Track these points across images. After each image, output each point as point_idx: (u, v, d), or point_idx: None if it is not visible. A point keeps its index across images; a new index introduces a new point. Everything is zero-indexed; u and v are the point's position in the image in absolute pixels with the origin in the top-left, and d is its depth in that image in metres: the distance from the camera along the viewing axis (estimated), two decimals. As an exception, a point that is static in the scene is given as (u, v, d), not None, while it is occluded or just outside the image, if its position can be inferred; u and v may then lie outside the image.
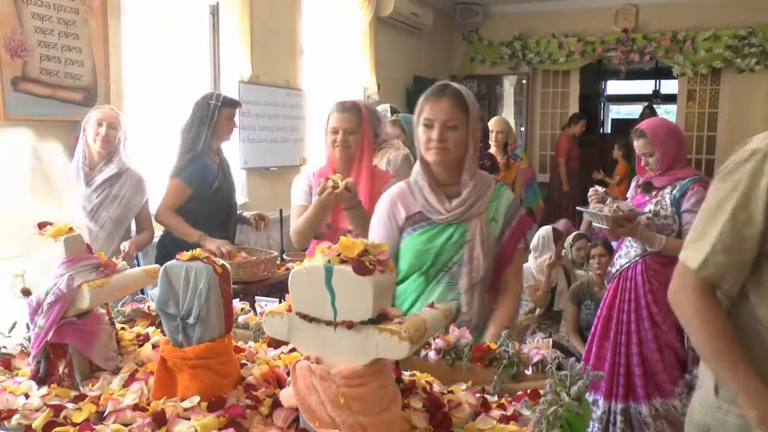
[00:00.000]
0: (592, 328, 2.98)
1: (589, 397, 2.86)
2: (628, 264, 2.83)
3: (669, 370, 2.78)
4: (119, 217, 2.90)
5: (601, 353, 2.89)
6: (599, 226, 2.81)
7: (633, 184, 3.02)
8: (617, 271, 2.89)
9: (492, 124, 4.88)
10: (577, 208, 3.12)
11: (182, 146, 3.10)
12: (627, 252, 2.85)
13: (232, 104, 3.19)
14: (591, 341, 2.95)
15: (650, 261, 2.78)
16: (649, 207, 2.77)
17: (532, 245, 4.42)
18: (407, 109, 7.19)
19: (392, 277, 1.17)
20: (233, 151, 4.58)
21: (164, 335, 1.41)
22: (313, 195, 2.43)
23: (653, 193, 2.83)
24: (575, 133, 7.58)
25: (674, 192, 2.73)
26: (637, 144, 2.82)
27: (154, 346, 1.56)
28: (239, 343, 1.58)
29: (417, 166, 1.92)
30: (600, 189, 2.94)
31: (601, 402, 2.86)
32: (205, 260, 1.33)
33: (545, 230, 4.44)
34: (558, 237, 4.36)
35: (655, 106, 9.73)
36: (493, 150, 4.84)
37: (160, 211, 3.09)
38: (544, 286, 4.25)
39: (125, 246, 2.83)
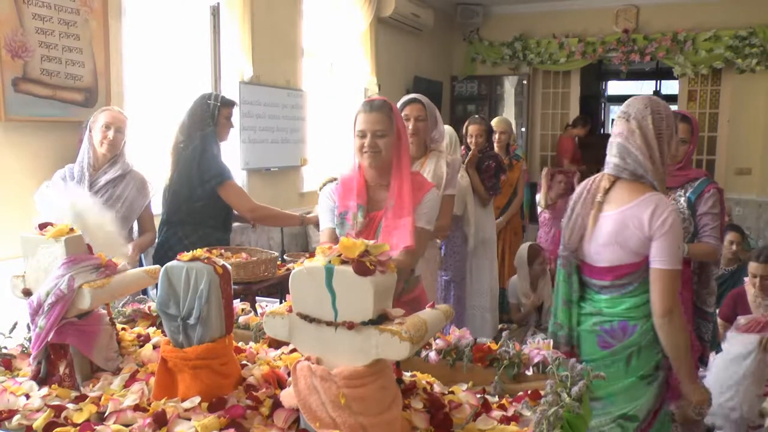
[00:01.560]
0: None
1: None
2: None
3: None
4: (122, 218, 2.89)
5: None
6: None
7: None
8: None
9: (494, 124, 4.85)
10: None
11: (192, 148, 3.04)
12: None
13: (230, 104, 3.21)
14: None
15: None
16: None
17: (516, 262, 4.48)
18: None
19: (393, 277, 1.17)
20: (234, 151, 4.58)
21: (165, 336, 1.41)
22: (337, 214, 2.19)
23: None
24: (578, 135, 7.58)
25: (688, 194, 2.71)
26: (679, 127, 2.70)
27: (154, 347, 1.56)
28: (239, 344, 1.58)
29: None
30: None
31: None
32: (205, 261, 1.33)
33: (521, 249, 4.48)
34: (534, 255, 4.42)
35: (655, 106, 9.71)
36: (496, 151, 4.83)
37: (249, 207, 3.16)
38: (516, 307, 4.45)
39: (128, 249, 2.83)
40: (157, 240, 3.14)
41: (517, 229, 4.99)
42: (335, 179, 2.30)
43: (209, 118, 3.09)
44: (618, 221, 1.95)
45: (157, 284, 1.39)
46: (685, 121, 2.76)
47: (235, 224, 3.46)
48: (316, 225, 3.26)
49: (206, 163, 3.04)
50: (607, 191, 2.01)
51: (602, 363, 2.01)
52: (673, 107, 9.01)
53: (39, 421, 1.25)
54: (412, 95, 2.92)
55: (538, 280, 4.40)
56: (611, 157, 2.01)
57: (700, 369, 2.88)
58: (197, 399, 1.27)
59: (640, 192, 1.94)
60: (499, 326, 4.23)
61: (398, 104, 2.89)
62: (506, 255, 4.85)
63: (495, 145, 4.73)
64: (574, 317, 2.09)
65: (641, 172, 1.94)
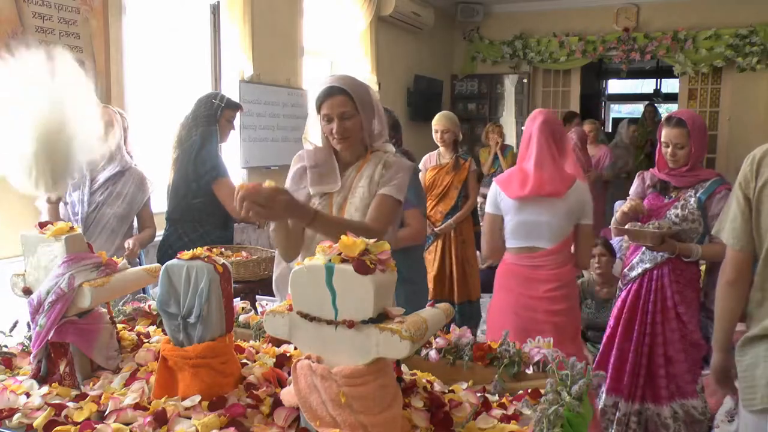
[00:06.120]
0: (609, 329, 2.92)
1: (610, 399, 2.85)
2: (654, 267, 2.77)
3: (692, 369, 2.76)
4: (122, 215, 2.91)
5: (622, 355, 2.84)
6: (640, 243, 2.73)
7: (637, 181, 2.91)
8: (638, 274, 2.81)
9: (435, 122, 4.26)
10: (613, 227, 2.96)
11: (190, 143, 3.05)
12: (653, 257, 2.76)
13: (234, 107, 3.21)
14: (608, 343, 2.90)
15: (677, 261, 2.72)
16: (675, 212, 2.71)
17: None
18: (408, 107, 7.20)
19: (393, 275, 1.17)
20: (234, 150, 4.58)
21: (165, 334, 1.41)
22: None
23: (673, 195, 2.75)
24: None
25: (699, 194, 2.67)
26: (672, 133, 2.67)
27: (148, 349, 1.56)
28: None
29: None
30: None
31: (621, 404, 2.83)
32: (205, 259, 1.33)
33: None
34: None
35: (656, 105, 9.73)
36: (441, 150, 4.32)
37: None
38: None
39: (129, 243, 2.83)
40: (160, 238, 3.15)
41: (468, 237, 4.35)
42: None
43: (212, 117, 3.10)
44: None
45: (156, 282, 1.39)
46: (679, 126, 2.67)
47: (236, 223, 3.46)
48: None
49: (202, 158, 3.03)
50: None
51: None
52: (673, 106, 9.02)
53: (39, 419, 1.25)
54: (329, 84, 1.99)
55: None
56: None
57: (704, 369, 2.87)
58: (197, 398, 1.27)
59: None
60: None
61: (316, 99, 2.08)
62: (454, 266, 4.24)
63: (439, 144, 4.28)
64: None
65: None
